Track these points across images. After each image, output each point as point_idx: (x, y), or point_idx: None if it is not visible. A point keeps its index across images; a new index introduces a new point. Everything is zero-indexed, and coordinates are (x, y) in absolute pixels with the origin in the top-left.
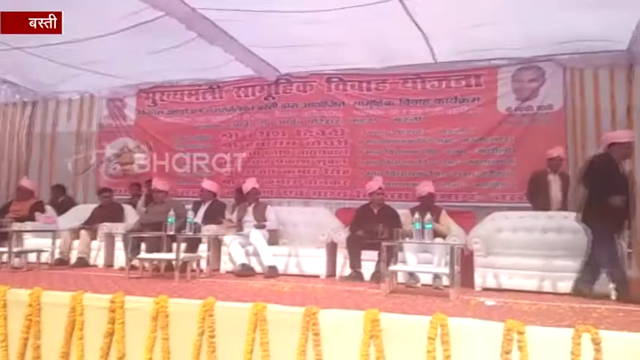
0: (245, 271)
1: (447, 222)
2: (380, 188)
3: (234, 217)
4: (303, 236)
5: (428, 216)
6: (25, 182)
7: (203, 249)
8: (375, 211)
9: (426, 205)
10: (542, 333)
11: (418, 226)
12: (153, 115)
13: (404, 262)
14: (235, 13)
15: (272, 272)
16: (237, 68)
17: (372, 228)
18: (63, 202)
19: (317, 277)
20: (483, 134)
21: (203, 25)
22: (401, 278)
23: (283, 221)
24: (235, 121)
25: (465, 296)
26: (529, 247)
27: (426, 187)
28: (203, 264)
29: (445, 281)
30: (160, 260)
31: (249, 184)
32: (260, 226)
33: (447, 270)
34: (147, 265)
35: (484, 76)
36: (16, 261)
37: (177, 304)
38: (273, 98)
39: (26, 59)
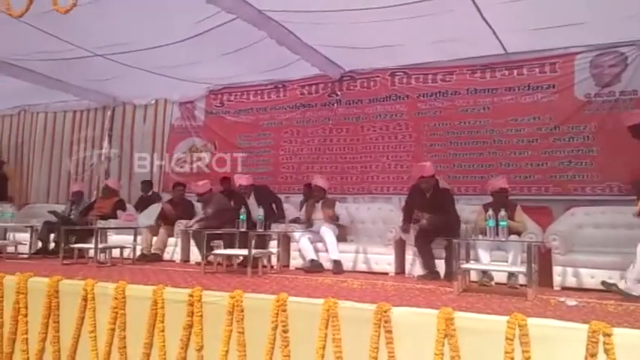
0: (314, 267)
1: (522, 218)
2: (423, 177)
3: (302, 213)
4: (370, 233)
5: (502, 212)
6: (110, 182)
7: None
8: (427, 195)
9: (500, 201)
10: (631, 336)
11: (492, 223)
12: (220, 115)
13: (477, 259)
14: (301, 13)
15: (337, 267)
16: (302, 67)
17: (424, 213)
18: (151, 196)
19: (385, 274)
20: (558, 122)
21: (269, 26)
22: (473, 276)
23: (350, 218)
24: (298, 118)
25: (544, 296)
26: (612, 244)
27: (498, 182)
28: (274, 260)
29: (521, 280)
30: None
31: (316, 181)
32: (334, 218)
33: (523, 268)
34: (221, 260)
35: (559, 63)
36: (101, 257)
37: (251, 299)
38: (337, 95)
39: (107, 66)
